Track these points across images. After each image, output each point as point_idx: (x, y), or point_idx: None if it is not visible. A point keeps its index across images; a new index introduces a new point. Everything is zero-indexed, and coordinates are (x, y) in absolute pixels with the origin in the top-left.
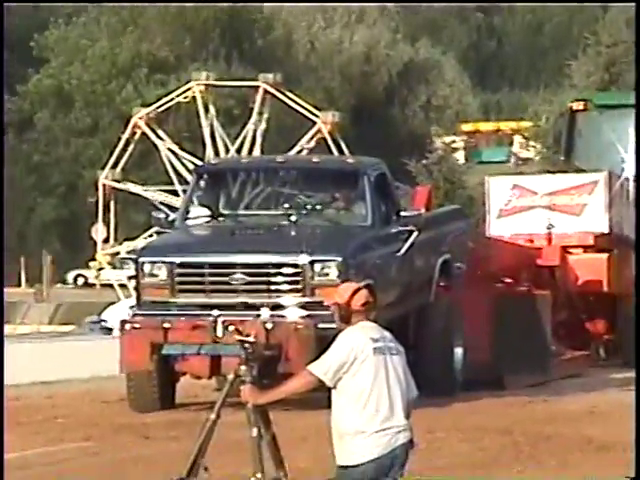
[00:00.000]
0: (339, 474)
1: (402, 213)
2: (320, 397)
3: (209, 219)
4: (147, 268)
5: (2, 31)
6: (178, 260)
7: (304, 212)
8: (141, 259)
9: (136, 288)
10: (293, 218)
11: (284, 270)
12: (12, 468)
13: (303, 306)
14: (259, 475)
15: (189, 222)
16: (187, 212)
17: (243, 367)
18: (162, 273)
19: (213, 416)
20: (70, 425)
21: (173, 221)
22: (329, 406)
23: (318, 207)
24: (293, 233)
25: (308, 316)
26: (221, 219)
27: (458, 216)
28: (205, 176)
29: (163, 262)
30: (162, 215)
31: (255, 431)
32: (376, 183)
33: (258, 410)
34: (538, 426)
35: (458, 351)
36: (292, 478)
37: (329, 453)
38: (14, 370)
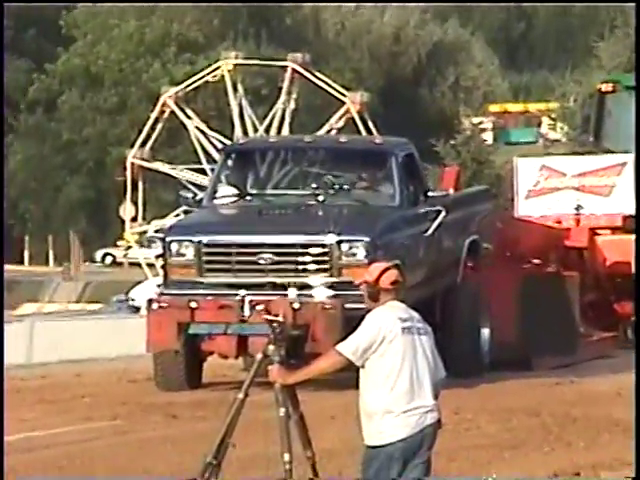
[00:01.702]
0: (368, 454)
1: (430, 193)
2: (348, 377)
3: (236, 198)
4: (174, 247)
5: (2, 31)
6: (205, 239)
7: (331, 192)
8: (168, 238)
9: (163, 267)
10: (320, 198)
11: (311, 250)
12: (39, 446)
13: (331, 286)
14: (287, 455)
15: (216, 201)
16: (215, 191)
17: (271, 347)
18: (189, 252)
19: (241, 395)
20: (98, 404)
21: (201, 200)
22: (357, 386)
23: (345, 187)
24: (320, 213)
25: (335, 296)
26: (248, 198)
27: (486, 197)
28: (233, 155)
29: (190, 241)
30: (189, 194)
31: (283, 411)
32: (404, 163)
33: (286, 390)
34: (566, 407)
35: (485, 332)
36: (319, 458)
37: (357, 433)
38: (42, 348)
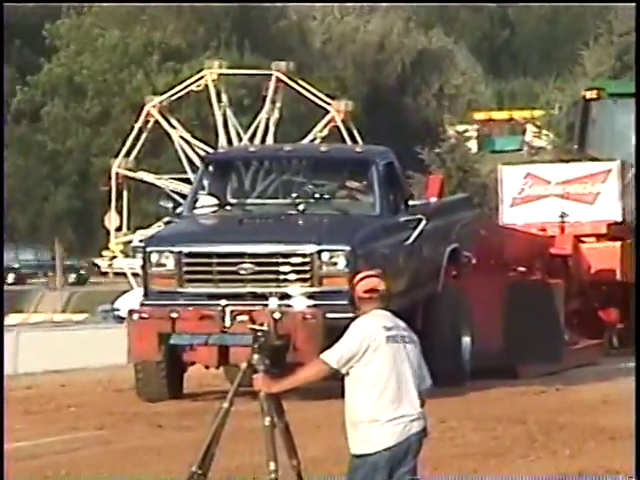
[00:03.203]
0: (354, 463)
1: (410, 202)
2: (334, 386)
3: (217, 208)
4: (154, 257)
5: (2, 31)
6: (186, 249)
7: (312, 201)
8: (148, 248)
9: (144, 278)
10: (301, 207)
11: (292, 260)
12: (25, 457)
13: (310, 296)
14: (272, 464)
15: (197, 211)
16: (195, 201)
17: (256, 356)
18: (170, 263)
19: (226, 405)
20: (83, 414)
21: (181, 210)
22: (342, 395)
23: (326, 196)
24: (301, 222)
25: (316, 306)
26: (229, 208)
27: (466, 205)
28: (213, 165)
29: (171, 251)
30: (170, 204)
31: (268, 420)
32: (385, 172)
33: (271, 399)
34: (551, 415)
35: (466, 340)
36: (305, 467)
37: (342, 442)
38: (28, 359)
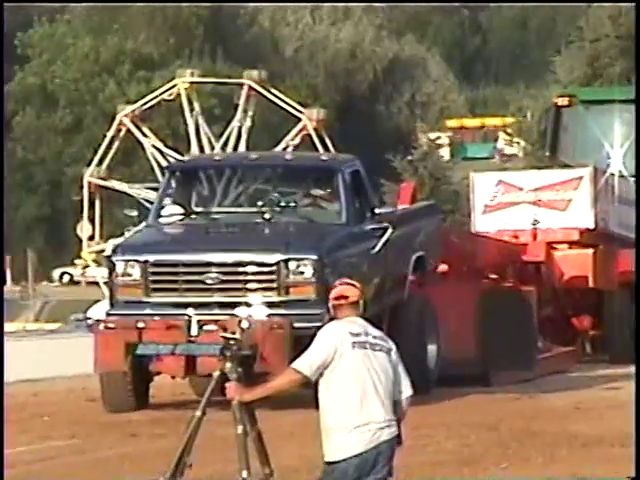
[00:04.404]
0: (325, 470)
1: (376, 210)
2: (307, 394)
3: (182, 217)
4: (120, 267)
5: (2, 31)
6: (152, 259)
7: (278, 209)
8: (114, 258)
9: (110, 287)
10: (267, 216)
11: (259, 269)
12: None
13: (277, 304)
14: (245, 473)
15: (162, 220)
16: (160, 210)
17: (229, 364)
18: (135, 272)
19: (198, 413)
20: (56, 423)
21: (146, 219)
22: (316, 403)
23: (292, 204)
24: (267, 231)
25: (282, 315)
26: (194, 217)
27: (432, 212)
28: (177, 173)
29: (136, 261)
30: (134, 213)
31: (241, 428)
32: (350, 180)
33: (244, 407)
34: (524, 422)
35: (432, 348)
36: (278, 475)
37: (316, 450)
38: None
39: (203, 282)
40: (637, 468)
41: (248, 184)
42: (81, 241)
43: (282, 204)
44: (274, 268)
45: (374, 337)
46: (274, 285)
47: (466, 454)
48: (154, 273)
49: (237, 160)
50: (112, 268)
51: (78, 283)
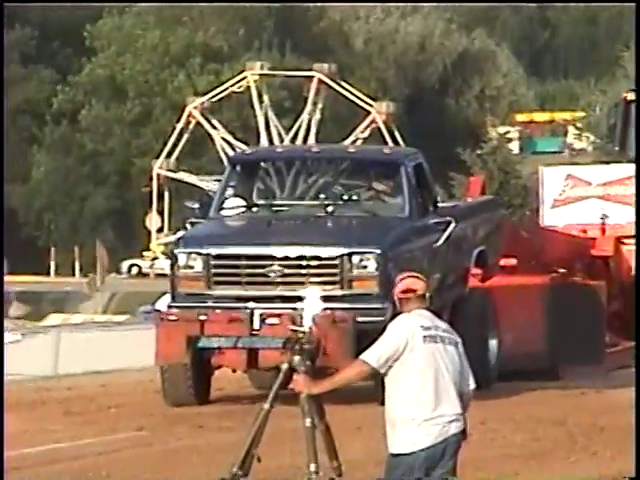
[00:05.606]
0: (390, 462)
1: (439, 204)
2: (375, 387)
3: (244, 210)
4: (182, 260)
5: (2, 31)
6: (214, 252)
7: (340, 203)
8: (176, 250)
9: (171, 280)
10: (329, 209)
11: (321, 262)
12: (65, 458)
13: (337, 298)
14: (313, 465)
15: (224, 212)
16: (222, 202)
17: (297, 357)
18: (197, 265)
19: (267, 406)
20: (123, 415)
21: (208, 211)
22: (382, 397)
23: (355, 198)
24: (330, 224)
25: (346, 309)
26: (256, 210)
27: (494, 206)
28: (239, 166)
29: (199, 253)
30: (195, 205)
31: (309, 421)
32: (413, 173)
33: (312, 400)
34: (592, 417)
35: (492, 343)
36: (345, 468)
37: (383, 444)
38: (68, 359)
39: (265, 275)
40: (637, 468)
41: (310, 177)
42: (150, 233)
43: (345, 197)
44: (337, 262)
45: (443, 330)
46: (337, 279)
47: (533, 448)
48: (216, 266)
49: (299, 153)
50: (174, 260)
51: (147, 275)
